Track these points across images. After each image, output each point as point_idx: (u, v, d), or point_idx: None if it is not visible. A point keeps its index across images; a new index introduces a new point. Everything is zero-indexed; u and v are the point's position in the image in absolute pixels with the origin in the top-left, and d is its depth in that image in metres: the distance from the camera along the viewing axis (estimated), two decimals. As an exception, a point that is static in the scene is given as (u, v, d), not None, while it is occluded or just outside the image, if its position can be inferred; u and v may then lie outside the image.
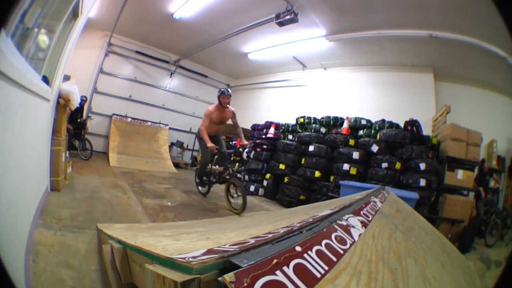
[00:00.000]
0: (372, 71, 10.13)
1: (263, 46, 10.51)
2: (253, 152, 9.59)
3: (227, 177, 6.27)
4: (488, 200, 7.13)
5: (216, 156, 6.87)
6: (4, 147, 1.81)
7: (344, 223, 1.46)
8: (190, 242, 1.67)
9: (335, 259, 1.05)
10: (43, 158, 4.13)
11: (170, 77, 13.55)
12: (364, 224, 1.66)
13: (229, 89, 6.52)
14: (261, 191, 8.89)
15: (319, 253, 1.01)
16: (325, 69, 11.21)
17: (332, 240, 1.16)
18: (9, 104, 1.84)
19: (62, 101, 4.90)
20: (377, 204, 2.59)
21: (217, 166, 6.77)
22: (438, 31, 7.13)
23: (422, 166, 6.73)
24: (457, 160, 6.87)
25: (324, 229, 1.24)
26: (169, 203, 5.88)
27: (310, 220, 1.48)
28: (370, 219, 1.89)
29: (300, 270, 0.87)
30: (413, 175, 6.78)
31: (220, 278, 0.76)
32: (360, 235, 1.44)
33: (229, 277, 0.73)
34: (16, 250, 2.08)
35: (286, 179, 8.32)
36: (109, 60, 11.68)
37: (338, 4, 7.28)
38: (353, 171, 7.34)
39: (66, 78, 5.73)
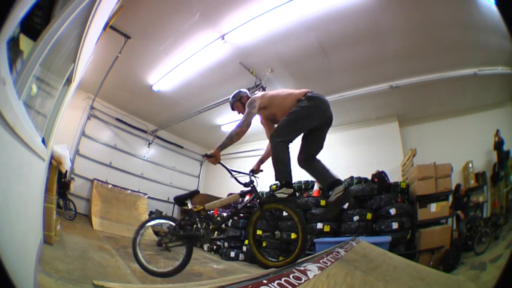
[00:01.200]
0: (339, 131, 10.59)
1: (234, 118, 10.84)
2: (230, 220, 9.97)
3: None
4: (471, 217, 7.51)
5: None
6: (15, 199, 2.06)
7: (302, 268, 1.92)
8: None
9: (290, 288, 1.49)
10: (38, 212, 4.30)
11: (148, 146, 13.83)
12: (320, 268, 2.12)
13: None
14: (241, 256, 9.15)
15: (280, 284, 1.45)
16: (294, 135, 11.63)
17: (289, 278, 1.61)
18: (20, 163, 2.12)
19: (54, 163, 5.15)
20: (340, 253, 3.02)
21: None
22: (397, 80, 7.76)
23: (393, 211, 7.20)
24: (427, 197, 7.35)
25: (285, 271, 1.70)
26: (155, 269, 5.97)
27: (274, 270, 1.92)
28: (328, 264, 2.34)
29: None
30: (385, 221, 7.22)
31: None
32: (315, 275, 1.89)
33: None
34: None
35: (264, 244, 8.59)
36: (91, 124, 11.84)
37: (302, 74, 8.09)
38: (326, 228, 7.80)
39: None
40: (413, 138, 9.35)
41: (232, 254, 9.25)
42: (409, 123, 9.60)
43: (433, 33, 6.33)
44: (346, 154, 10.40)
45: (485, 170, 8.17)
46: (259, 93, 4.03)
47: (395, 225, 7.03)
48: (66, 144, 6.25)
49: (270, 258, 3.71)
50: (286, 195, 3.53)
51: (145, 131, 13.57)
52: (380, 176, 8.14)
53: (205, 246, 10.64)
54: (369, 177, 8.37)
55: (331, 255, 2.73)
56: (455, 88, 7.91)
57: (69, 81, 5.07)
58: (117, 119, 12.63)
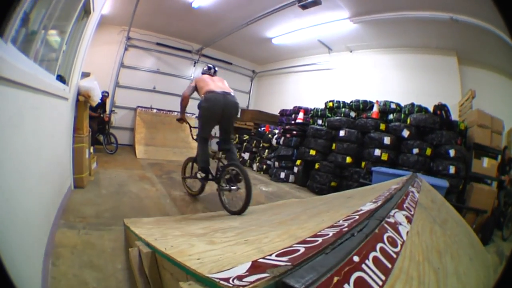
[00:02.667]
0: (397, 53, 9.85)
1: (287, 30, 10.31)
2: (282, 138, 9.45)
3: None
4: (508, 191, 6.85)
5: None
6: (16, 153, 1.80)
7: (392, 220, 1.37)
8: (228, 246, 1.57)
9: (389, 266, 0.98)
10: (63, 157, 4.13)
11: (194, 66, 13.45)
12: (408, 220, 1.57)
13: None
14: (291, 177, 8.81)
15: (376, 261, 0.94)
16: (351, 51, 10.96)
17: (385, 243, 1.09)
18: (19, 109, 1.83)
19: (82, 98, 4.89)
20: (415, 195, 2.48)
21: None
22: (458, 14, 6.92)
23: (452, 152, 6.51)
24: (483, 147, 6.68)
25: (376, 230, 1.17)
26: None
27: (356, 217, 1.40)
28: (412, 213, 1.79)
29: (361, 286, 0.81)
30: (443, 161, 6.56)
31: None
32: (407, 233, 1.36)
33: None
34: (32, 256, 2.04)
35: (317, 166, 8.18)
36: (129, 54, 11.70)
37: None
38: (384, 156, 7.15)
39: (85, 75, 5.72)
40: (470, 79, 8.48)
41: (282, 175, 8.92)
42: (468, 63, 8.62)
43: None
44: (402, 79, 9.72)
45: None
46: (200, 76, 5.65)
47: (452, 169, 6.37)
48: (93, 76, 5.74)
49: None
50: (203, 175, 4.95)
51: (190, 51, 13.14)
52: (443, 109, 7.34)
53: (255, 166, 10.46)
54: (430, 108, 7.65)
55: (409, 197, 2.19)
56: (507, 53, 7.02)
57: (86, 12, 4.73)
58: (158, 43, 12.28)
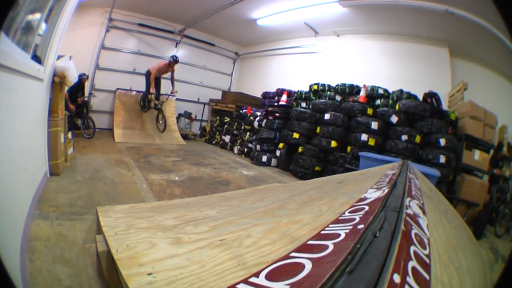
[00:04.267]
0: (387, 40, 9.70)
1: (273, 11, 10.01)
2: (265, 120, 9.25)
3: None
4: (500, 187, 6.85)
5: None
6: None
7: (410, 211, 1.08)
8: (196, 250, 1.22)
9: (427, 277, 0.68)
10: (38, 142, 3.95)
11: (176, 47, 13.07)
12: (422, 210, 1.30)
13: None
14: (273, 161, 8.63)
15: (415, 274, 0.63)
16: (338, 36, 10.76)
17: (416, 245, 0.79)
18: None
19: (57, 79, 4.68)
20: (416, 182, 2.23)
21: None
22: (454, 7, 6.85)
23: (442, 141, 6.43)
24: (474, 140, 6.69)
25: (403, 227, 0.87)
26: (176, 178, 5.71)
27: (366, 207, 1.10)
28: (422, 202, 1.52)
29: None
30: (433, 150, 6.47)
31: None
32: (427, 225, 1.08)
33: None
34: (10, 251, 1.91)
35: (300, 149, 7.98)
36: (110, 36, 11.26)
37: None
38: (371, 142, 7.00)
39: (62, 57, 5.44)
40: (462, 72, 8.42)
41: (264, 158, 8.70)
42: (460, 56, 8.59)
43: None
44: (391, 66, 9.61)
45: None
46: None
47: (442, 158, 6.29)
48: (69, 56, 5.44)
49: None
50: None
51: (172, 32, 12.74)
52: (433, 97, 7.28)
53: (236, 149, 10.26)
54: (419, 96, 7.57)
55: (413, 184, 1.93)
56: (502, 52, 6.99)
57: None
58: (140, 24, 11.85)
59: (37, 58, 3.80)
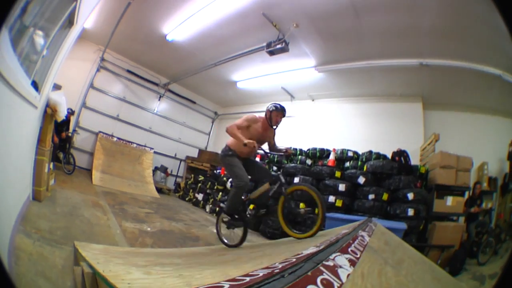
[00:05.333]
0: (361, 102, 10.19)
1: (252, 75, 10.56)
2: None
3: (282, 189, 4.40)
4: (480, 222, 7.12)
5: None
6: None
7: (331, 263, 1.32)
8: (161, 278, 1.52)
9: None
10: (26, 165, 4.06)
11: (159, 100, 13.48)
12: (352, 263, 1.53)
13: (285, 109, 4.68)
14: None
15: None
16: (313, 100, 11.34)
17: (317, 285, 1.03)
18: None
19: (49, 111, 4.84)
20: (365, 238, 2.47)
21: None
22: (428, 58, 7.23)
23: (410, 196, 6.72)
24: (446, 187, 6.95)
25: (309, 273, 1.11)
26: (148, 229, 5.75)
27: (294, 260, 1.34)
28: (358, 256, 1.75)
29: None
30: (401, 205, 6.74)
31: None
32: (348, 275, 1.31)
33: None
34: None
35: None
36: (100, 76, 11.58)
37: (329, 33, 7.38)
38: (339, 203, 7.29)
39: (57, 87, 5.65)
40: (435, 123, 8.85)
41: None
42: (434, 107, 9.08)
43: (470, 22, 5.93)
44: (365, 127, 10.01)
45: (497, 177, 7.93)
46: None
47: (410, 212, 6.56)
48: (63, 92, 5.76)
49: (296, 231, 4.10)
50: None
51: (156, 84, 13.17)
52: (401, 155, 7.65)
53: (208, 207, 10.25)
54: (389, 155, 7.92)
55: (357, 241, 2.17)
56: (481, 84, 7.52)
57: (70, 23, 4.78)
58: (128, 71, 12.27)
59: (35, 85, 3.84)
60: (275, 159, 9.61)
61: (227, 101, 14.61)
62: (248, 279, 1.06)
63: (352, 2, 6.35)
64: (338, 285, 1.15)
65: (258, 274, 1.12)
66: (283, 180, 4.42)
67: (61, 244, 3.49)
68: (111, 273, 1.67)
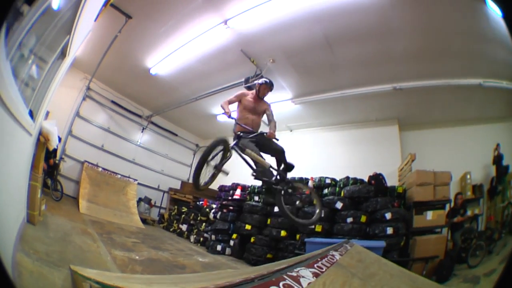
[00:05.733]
0: (338, 129, 10.57)
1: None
2: (219, 213, 9.78)
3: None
4: (466, 229, 7.34)
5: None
6: None
7: (294, 274, 1.66)
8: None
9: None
10: (22, 189, 4.18)
11: (142, 132, 13.69)
12: (316, 275, 1.86)
13: (273, 83, 5.32)
14: (228, 250, 8.94)
15: None
16: (291, 131, 11.70)
17: (279, 286, 1.36)
18: (2, 130, 1.96)
19: (42, 139, 4.98)
20: (335, 257, 2.78)
21: None
22: (402, 82, 7.58)
23: (388, 215, 6.97)
24: (424, 203, 7.22)
25: (273, 279, 1.44)
26: (137, 257, 5.88)
27: (265, 272, 1.67)
28: (323, 270, 2.08)
29: None
30: (379, 225, 6.99)
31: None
32: (309, 283, 1.64)
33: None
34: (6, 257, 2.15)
35: (252, 239, 8.48)
36: (86, 104, 11.72)
37: (304, 67, 7.84)
38: (318, 228, 7.57)
39: (46, 114, 5.82)
40: (412, 143, 9.19)
41: (219, 247, 9.02)
42: (410, 128, 9.44)
43: (442, 38, 6.25)
44: (343, 154, 10.32)
45: (483, 183, 8.07)
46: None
47: (389, 230, 6.80)
48: (55, 121, 5.88)
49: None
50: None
51: (140, 116, 13.40)
52: (377, 178, 7.94)
53: (192, 237, 10.46)
54: (366, 179, 8.18)
55: (326, 259, 2.50)
56: (459, 97, 7.81)
57: (63, 54, 4.96)
58: (113, 102, 12.49)
59: (31, 113, 3.99)
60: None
61: (208, 134, 14.82)
62: (227, 283, 1.38)
63: (325, 35, 6.79)
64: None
65: (235, 281, 1.44)
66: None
67: (58, 267, 3.60)
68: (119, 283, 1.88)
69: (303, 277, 1.69)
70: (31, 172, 4.84)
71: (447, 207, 7.40)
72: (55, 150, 8.73)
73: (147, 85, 10.86)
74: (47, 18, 3.15)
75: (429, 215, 7.12)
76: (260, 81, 5.22)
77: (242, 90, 5.41)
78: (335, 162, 10.07)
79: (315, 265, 2.13)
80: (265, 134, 5.13)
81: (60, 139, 9.49)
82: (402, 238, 6.88)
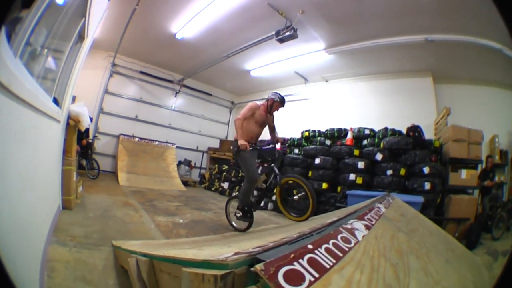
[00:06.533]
0: (372, 80, 10.24)
1: (264, 62, 10.72)
2: (260, 167, 9.59)
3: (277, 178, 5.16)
4: (493, 196, 7.18)
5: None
6: (18, 168, 1.87)
7: (349, 226, 1.64)
8: (215, 250, 1.79)
9: (341, 255, 1.21)
10: (54, 177, 4.24)
11: (175, 96, 13.76)
12: (367, 227, 1.83)
13: (284, 100, 5.49)
14: (270, 205, 8.96)
15: (327, 250, 1.18)
16: (326, 81, 11.41)
17: (338, 240, 1.33)
18: (22, 126, 1.92)
19: (72, 122, 5.03)
20: (381, 210, 2.75)
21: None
22: (433, 34, 7.23)
23: (426, 170, 6.81)
24: (460, 161, 6.99)
25: (331, 231, 1.43)
26: (181, 220, 5.95)
27: (319, 226, 1.65)
28: (373, 223, 2.05)
29: (313, 262, 1.03)
30: (418, 179, 6.84)
31: (252, 268, 0.94)
32: (363, 236, 1.61)
33: (259, 267, 0.90)
34: (30, 266, 2.11)
35: (294, 192, 8.34)
36: (113, 81, 11.90)
37: (334, 17, 7.50)
38: (359, 180, 7.47)
39: (73, 98, 5.90)
40: (446, 97, 8.81)
41: (261, 203, 8.94)
42: (443, 81, 9.02)
43: None
44: (377, 104, 10.09)
45: (508, 150, 7.96)
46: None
47: (427, 186, 6.66)
48: (83, 102, 5.87)
49: (292, 214, 5.15)
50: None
51: (171, 81, 13.42)
52: (415, 130, 7.69)
53: (234, 194, 10.47)
54: (403, 131, 7.96)
55: (373, 211, 2.46)
56: (484, 58, 7.41)
57: (81, 38, 4.95)
58: (141, 72, 12.56)
59: (56, 101, 4.11)
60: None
61: (242, 90, 14.81)
62: (286, 239, 1.37)
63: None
64: (355, 241, 1.45)
65: (293, 236, 1.43)
66: (277, 171, 5.15)
67: (99, 246, 3.64)
68: (170, 253, 1.88)
69: (357, 229, 1.66)
70: (63, 157, 4.91)
71: (479, 168, 7.21)
72: (87, 130, 8.96)
73: (174, 51, 10.77)
74: (54, 11, 3.09)
75: (463, 173, 6.87)
76: (274, 97, 5.31)
77: (254, 103, 5.35)
78: (371, 113, 9.91)
79: (365, 217, 2.10)
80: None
81: (91, 119, 9.68)
82: (438, 195, 6.78)
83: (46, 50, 3.26)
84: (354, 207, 3.44)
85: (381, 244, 1.69)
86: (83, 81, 9.64)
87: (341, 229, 1.51)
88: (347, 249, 1.31)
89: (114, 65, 11.69)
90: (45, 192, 3.29)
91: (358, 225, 1.77)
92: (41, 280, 2.40)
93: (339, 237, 1.38)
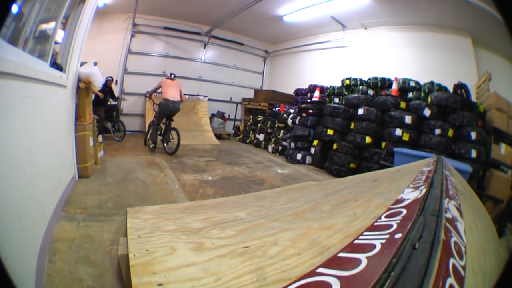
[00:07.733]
0: (413, 30, 9.41)
1: (298, 7, 9.90)
2: (298, 117, 9.12)
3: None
4: None
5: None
6: (5, 146, 1.75)
7: (449, 215, 1.03)
8: (216, 259, 1.23)
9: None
10: (65, 146, 4.05)
11: (204, 48, 13.24)
12: (460, 212, 1.25)
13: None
14: (308, 159, 8.47)
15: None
16: (365, 28, 10.56)
17: (455, 257, 0.76)
18: (7, 99, 1.80)
19: (82, 85, 4.80)
20: (452, 180, 2.15)
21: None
22: None
23: (473, 135, 6.13)
24: (501, 133, 6.25)
25: (443, 236, 0.83)
26: (209, 178, 5.74)
27: (403, 211, 1.06)
28: (459, 202, 1.47)
29: None
30: (465, 144, 6.16)
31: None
32: (464, 231, 1.05)
33: None
34: (25, 255, 1.93)
35: (335, 146, 7.80)
36: (136, 40, 11.54)
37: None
38: (405, 137, 6.77)
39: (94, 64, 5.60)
40: (486, 62, 7.96)
41: (299, 156, 8.57)
42: (482, 47, 8.15)
43: None
44: (414, 57, 9.33)
45: None
46: (164, 81, 8.25)
47: (474, 153, 5.99)
48: (92, 62, 5.52)
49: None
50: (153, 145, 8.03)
51: (198, 33, 12.86)
52: (463, 88, 6.94)
53: (270, 147, 10.26)
54: (449, 88, 7.29)
55: (449, 183, 1.86)
56: None
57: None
58: (166, 28, 12.06)
59: (57, 66, 3.95)
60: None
61: (276, 38, 14.03)
62: (363, 259, 0.77)
63: None
64: (464, 248, 0.89)
65: (374, 246, 0.84)
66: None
67: (111, 216, 3.46)
68: (142, 259, 1.42)
69: (456, 220, 1.08)
70: (76, 123, 4.67)
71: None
72: (108, 92, 8.95)
73: (198, 1, 10.18)
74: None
75: (503, 148, 6.13)
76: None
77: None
78: (411, 65, 9.15)
79: (451, 194, 1.50)
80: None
81: (112, 79, 9.46)
82: (482, 166, 6.04)
83: (34, 18, 3.05)
84: (409, 169, 2.84)
85: (476, 242, 1.13)
86: (104, 46, 9.93)
87: (448, 226, 0.90)
88: (463, 274, 0.72)
89: (135, 25, 11.27)
90: (49, 166, 3.08)
91: (453, 210, 1.17)
92: (39, 268, 2.17)
93: (452, 246, 0.79)
